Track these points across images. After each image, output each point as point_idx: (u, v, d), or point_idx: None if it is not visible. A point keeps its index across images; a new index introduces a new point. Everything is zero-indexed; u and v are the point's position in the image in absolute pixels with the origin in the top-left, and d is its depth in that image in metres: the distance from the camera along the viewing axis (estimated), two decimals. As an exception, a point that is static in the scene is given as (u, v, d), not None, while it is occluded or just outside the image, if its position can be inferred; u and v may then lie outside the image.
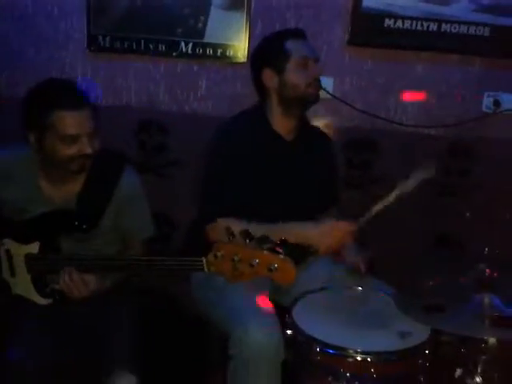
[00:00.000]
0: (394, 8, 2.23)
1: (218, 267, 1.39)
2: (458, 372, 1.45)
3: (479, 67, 2.33)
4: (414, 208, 2.28)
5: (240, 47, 2.32)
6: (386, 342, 1.56)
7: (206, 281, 1.86)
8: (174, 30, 2.31)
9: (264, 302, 1.75)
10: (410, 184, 1.67)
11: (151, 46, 2.33)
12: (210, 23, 2.29)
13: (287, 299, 1.79)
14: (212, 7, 2.28)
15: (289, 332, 1.65)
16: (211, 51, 2.33)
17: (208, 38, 2.31)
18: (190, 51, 2.33)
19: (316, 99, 1.90)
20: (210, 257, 1.39)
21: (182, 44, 2.32)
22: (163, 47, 2.33)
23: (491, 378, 1.45)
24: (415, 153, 2.39)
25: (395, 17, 2.24)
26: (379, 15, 2.24)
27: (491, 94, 2.35)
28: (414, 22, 2.25)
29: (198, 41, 2.32)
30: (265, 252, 1.36)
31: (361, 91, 2.35)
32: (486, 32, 2.25)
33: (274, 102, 1.90)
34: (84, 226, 1.70)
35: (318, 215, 1.98)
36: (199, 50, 2.33)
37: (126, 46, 2.33)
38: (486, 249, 1.73)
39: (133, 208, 1.79)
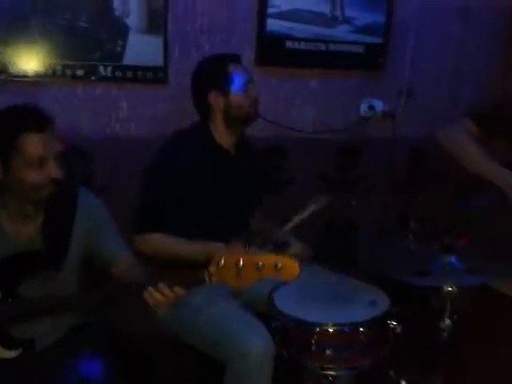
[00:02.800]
0: (292, 31, 2.46)
1: (221, 277, 1.37)
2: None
3: (357, 79, 2.66)
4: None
5: (159, 70, 2.30)
6: (360, 311, 1.73)
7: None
8: (92, 55, 2.19)
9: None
10: (315, 206, 1.87)
11: (68, 72, 2.17)
12: (128, 47, 2.24)
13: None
14: (130, 31, 2.22)
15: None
16: (131, 74, 2.26)
17: (127, 61, 2.24)
18: (109, 74, 2.23)
19: (257, 117, 2.02)
20: (212, 268, 1.37)
21: (101, 68, 2.21)
22: (81, 71, 2.19)
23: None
24: (315, 155, 2.62)
25: (293, 39, 2.46)
26: (281, 38, 2.43)
27: (366, 100, 2.69)
28: (308, 44, 2.49)
29: (117, 64, 2.23)
30: (267, 254, 1.40)
31: (268, 105, 2.50)
32: (361, 49, 2.59)
33: (219, 120, 1.98)
34: (53, 265, 1.54)
35: (250, 219, 2.09)
36: (119, 73, 2.24)
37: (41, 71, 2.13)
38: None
39: (102, 229, 1.68)
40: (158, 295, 1.43)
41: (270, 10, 2.41)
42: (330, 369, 1.73)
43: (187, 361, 1.97)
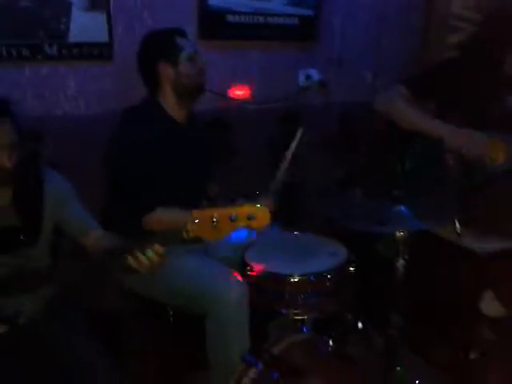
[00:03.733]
0: (232, 5, 2.51)
1: (198, 232, 1.41)
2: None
3: (294, 50, 2.78)
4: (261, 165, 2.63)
5: (105, 46, 2.28)
6: (323, 261, 1.90)
7: None
8: (37, 33, 2.13)
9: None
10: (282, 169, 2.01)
11: (14, 52, 2.10)
12: (72, 24, 2.19)
13: None
14: (73, 8, 2.18)
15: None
16: (77, 51, 2.23)
17: (72, 39, 2.20)
18: (55, 53, 2.18)
19: (204, 88, 2.07)
20: (189, 224, 1.40)
21: (47, 46, 2.16)
22: (27, 51, 2.12)
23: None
24: (257, 124, 2.72)
25: (233, 13, 2.52)
26: (222, 12, 2.49)
27: (303, 70, 2.82)
28: (248, 17, 2.56)
29: (62, 42, 2.18)
30: (239, 206, 1.43)
31: (213, 78, 2.55)
32: (296, 21, 2.71)
33: (169, 92, 2.00)
34: (30, 239, 1.55)
35: (208, 190, 2.18)
36: (65, 51, 2.20)
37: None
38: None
39: (70, 201, 1.72)
40: (143, 257, 1.46)
41: (210, -15, 2.44)
42: (301, 314, 1.86)
43: (163, 322, 2.02)
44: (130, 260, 1.46)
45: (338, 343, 1.77)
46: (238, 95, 2.64)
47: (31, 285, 1.57)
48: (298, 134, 2.05)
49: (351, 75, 3.00)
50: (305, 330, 1.84)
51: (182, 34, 2.00)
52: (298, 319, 1.88)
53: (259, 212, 1.39)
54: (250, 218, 1.39)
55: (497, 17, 2.10)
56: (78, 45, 2.22)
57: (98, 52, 2.27)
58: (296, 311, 1.86)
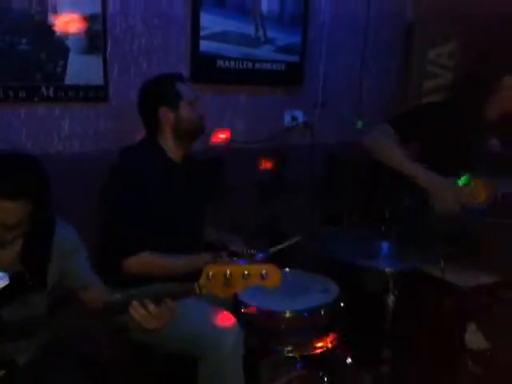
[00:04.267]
0: (222, 51, 2.61)
1: (210, 288, 1.41)
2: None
3: (280, 93, 2.89)
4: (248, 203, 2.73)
5: (100, 88, 2.34)
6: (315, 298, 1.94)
7: None
8: (34, 76, 2.18)
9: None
10: (283, 245, 2.08)
11: (11, 94, 2.14)
12: (69, 67, 2.25)
13: None
14: (70, 52, 2.24)
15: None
16: (73, 94, 2.28)
17: (69, 81, 2.26)
18: (51, 95, 2.23)
19: (203, 131, 2.14)
20: (203, 280, 1.41)
21: (43, 88, 2.21)
22: (24, 93, 2.17)
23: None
24: (247, 163, 2.79)
25: (224, 58, 2.62)
26: (212, 57, 2.58)
27: (289, 112, 2.93)
28: (237, 62, 2.66)
29: (59, 84, 2.23)
30: (253, 264, 1.46)
31: (203, 119, 2.63)
32: (282, 67, 2.82)
33: (168, 135, 2.07)
34: (37, 286, 1.55)
35: (203, 229, 2.22)
36: (61, 93, 2.25)
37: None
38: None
39: (77, 255, 1.70)
40: (142, 310, 1.44)
41: (202, 32, 2.53)
42: (294, 351, 1.88)
43: (155, 366, 2.00)
44: (133, 313, 1.44)
45: (332, 379, 1.79)
46: (220, 138, 2.69)
47: (28, 331, 1.55)
48: (295, 240, 2.10)
49: (334, 117, 3.11)
50: (298, 366, 1.85)
51: (182, 79, 2.07)
52: (291, 356, 1.90)
53: (272, 271, 1.41)
54: (262, 276, 1.40)
55: (475, 66, 2.24)
56: (74, 87, 2.27)
57: (93, 94, 2.32)
58: (289, 348, 1.87)
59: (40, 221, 1.56)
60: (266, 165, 2.87)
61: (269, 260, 1.96)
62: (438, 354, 2.15)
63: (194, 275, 1.44)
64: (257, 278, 1.41)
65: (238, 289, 1.43)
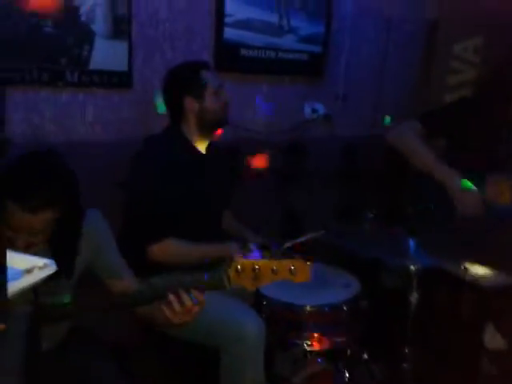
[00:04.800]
0: (246, 39, 2.57)
1: (239, 281, 1.40)
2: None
3: (302, 84, 2.85)
4: (270, 191, 2.69)
5: (124, 74, 2.31)
6: (338, 293, 1.92)
7: None
8: (59, 60, 2.15)
9: None
10: (307, 237, 2.04)
11: (35, 77, 2.11)
12: (94, 52, 2.22)
13: None
14: (96, 37, 2.21)
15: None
16: (97, 79, 2.25)
17: (94, 66, 2.23)
18: (76, 80, 2.20)
19: (227, 121, 2.11)
20: (232, 272, 1.39)
21: (68, 73, 2.18)
22: (48, 77, 2.14)
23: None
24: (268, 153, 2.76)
25: (247, 47, 2.58)
26: (236, 46, 2.54)
27: (309, 103, 2.89)
28: (260, 51, 2.62)
29: (84, 69, 2.20)
30: (281, 259, 1.42)
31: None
32: (305, 57, 2.78)
33: (192, 124, 2.04)
34: (64, 275, 1.53)
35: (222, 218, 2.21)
36: (85, 78, 2.22)
37: (6, 76, 2.04)
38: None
39: (107, 247, 1.67)
40: (178, 305, 1.40)
41: (227, 19, 2.49)
42: (315, 345, 1.87)
43: (177, 355, 2.00)
44: (165, 309, 1.41)
45: (351, 374, 1.79)
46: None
47: (52, 319, 1.53)
48: (318, 233, 2.06)
49: (354, 110, 3.08)
50: (320, 360, 1.84)
51: (207, 67, 2.03)
52: (311, 350, 1.89)
53: (301, 266, 1.39)
54: (291, 271, 1.39)
55: (503, 64, 2.19)
56: (99, 72, 2.24)
57: (117, 80, 2.29)
58: (309, 342, 1.86)
59: (70, 212, 1.53)
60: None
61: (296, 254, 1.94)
62: (455, 353, 2.14)
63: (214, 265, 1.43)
64: (285, 272, 1.40)
65: (267, 282, 1.41)
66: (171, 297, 1.38)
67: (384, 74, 3.16)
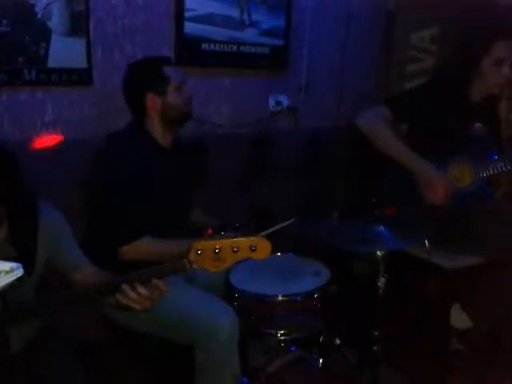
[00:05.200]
0: (207, 34, 2.57)
1: (200, 263, 1.41)
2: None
3: (265, 77, 2.86)
4: (233, 188, 2.71)
5: (84, 71, 2.27)
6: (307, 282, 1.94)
7: None
8: (16, 58, 2.10)
9: None
10: (277, 227, 2.05)
11: (-9, 76, 2.06)
12: (51, 50, 2.17)
13: None
14: (52, 34, 2.17)
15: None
16: (56, 77, 2.21)
17: (52, 64, 2.18)
18: (33, 78, 2.15)
19: (191, 116, 2.10)
20: (192, 255, 1.40)
21: (25, 71, 2.13)
22: (5, 77, 2.09)
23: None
24: (230, 148, 2.77)
25: (209, 41, 2.58)
26: (197, 40, 2.53)
27: (273, 96, 2.91)
28: (222, 45, 2.62)
29: (41, 67, 2.16)
30: (242, 237, 1.43)
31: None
32: (267, 50, 2.80)
33: (156, 120, 2.02)
34: (28, 269, 1.52)
35: (190, 213, 2.19)
36: (44, 77, 2.18)
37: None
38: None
39: (65, 238, 1.68)
40: (133, 293, 1.43)
41: (187, 14, 2.48)
42: (287, 334, 1.89)
43: (144, 352, 1.99)
44: (120, 298, 1.44)
45: (325, 360, 1.82)
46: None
47: (18, 318, 1.52)
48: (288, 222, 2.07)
49: (318, 102, 3.11)
50: (293, 348, 1.86)
51: (169, 62, 2.02)
52: (284, 339, 1.91)
53: (261, 243, 1.40)
54: (251, 248, 1.39)
55: (457, 49, 2.25)
56: (57, 70, 2.19)
57: (77, 77, 2.25)
58: (283, 331, 1.88)
59: (22, 206, 1.53)
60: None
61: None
62: (424, 333, 2.20)
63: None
64: (246, 250, 1.40)
65: (229, 263, 1.41)
66: (124, 286, 1.41)
67: (345, 65, 3.20)
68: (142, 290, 1.44)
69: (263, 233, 1.88)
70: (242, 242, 1.41)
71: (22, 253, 1.52)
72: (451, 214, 2.16)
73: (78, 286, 1.65)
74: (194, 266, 1.42)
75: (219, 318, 1.75)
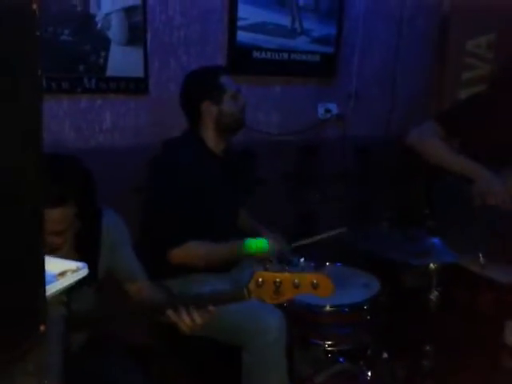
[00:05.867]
0: (258, 42, 2.59)
1: (259, 293, 1.41)
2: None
3: (314, 85, 2.86)
4: (281, 195, 2.71)
5: (141, 80, 2.34)
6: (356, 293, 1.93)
7: None
8: (77, 67, 2.18)
9: None
10: (329, 234, 2.04)
11: (54, 85, 2.15)
12: (110, 59, 2.25)
13: None
14: (111, 44, 2.24)
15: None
16: (114, 85, 2.28)
17: (110, 73, 2.26)
18: (93, 86, 2.23)
19: (244, 124, 2.13)
20: (252, 285, 1.41)
21: (86, 80, 2.21)
22: (66, 84, 2.17)
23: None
24: (281, 154, 2.78)
25: (260, 49, 2.60)
26: (249, 48, 2.56)
27: (322, 104, 2.91)
28: (273, 53, 2.64)
29: (101, 76, 2.24)
30: (304, 273, 1.44)
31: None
32: (317, 58, 2.79)
33: (210, 127, 2.07)
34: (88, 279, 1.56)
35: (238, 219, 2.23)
36: (102, 85, 2.26)
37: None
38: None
39: (123, 246, 1.72)
40: (187, 318, 1.46)
41: (240, 23, 2.52)
42: (334, 345, 1.88)
43: (192, 354, 2.02)
44: (172, 315, 1.46)
45: (373, 373, 1.80)
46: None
47: (81, 327, 1.58)
48: (339, 230, 2.06)
49: (367, 110, 3.08)
50: (341, 360, 1.86)
51: (226, 71, 2.06)
52: (331, 350, 1.90)
53: (323, 281, 1.40)
54: (314, 286, 1.39)
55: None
56: (115, 79, 2.27)
57: (134, 86, 2.32)
58: (330, 342, 1.88)
59: (89, 215, 1.57)
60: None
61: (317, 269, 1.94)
62: (476, 349, 2.14)
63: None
64: (308, 286, 1.40)
65: (288, 297, 1.43)
66: (180, 308, 1.45)
67: (397, 73, 3.16)
68: (196, 317, 1.46)
69: (312, 239, 1.90)
70: (305, 277, 1.41)
71: (85, 259, 1.56)
72: (506, 226, 2.10)
73: (135, 300, 1.69)
74: (253, 295, 1.43)
75: (267, 318, 1.76)
